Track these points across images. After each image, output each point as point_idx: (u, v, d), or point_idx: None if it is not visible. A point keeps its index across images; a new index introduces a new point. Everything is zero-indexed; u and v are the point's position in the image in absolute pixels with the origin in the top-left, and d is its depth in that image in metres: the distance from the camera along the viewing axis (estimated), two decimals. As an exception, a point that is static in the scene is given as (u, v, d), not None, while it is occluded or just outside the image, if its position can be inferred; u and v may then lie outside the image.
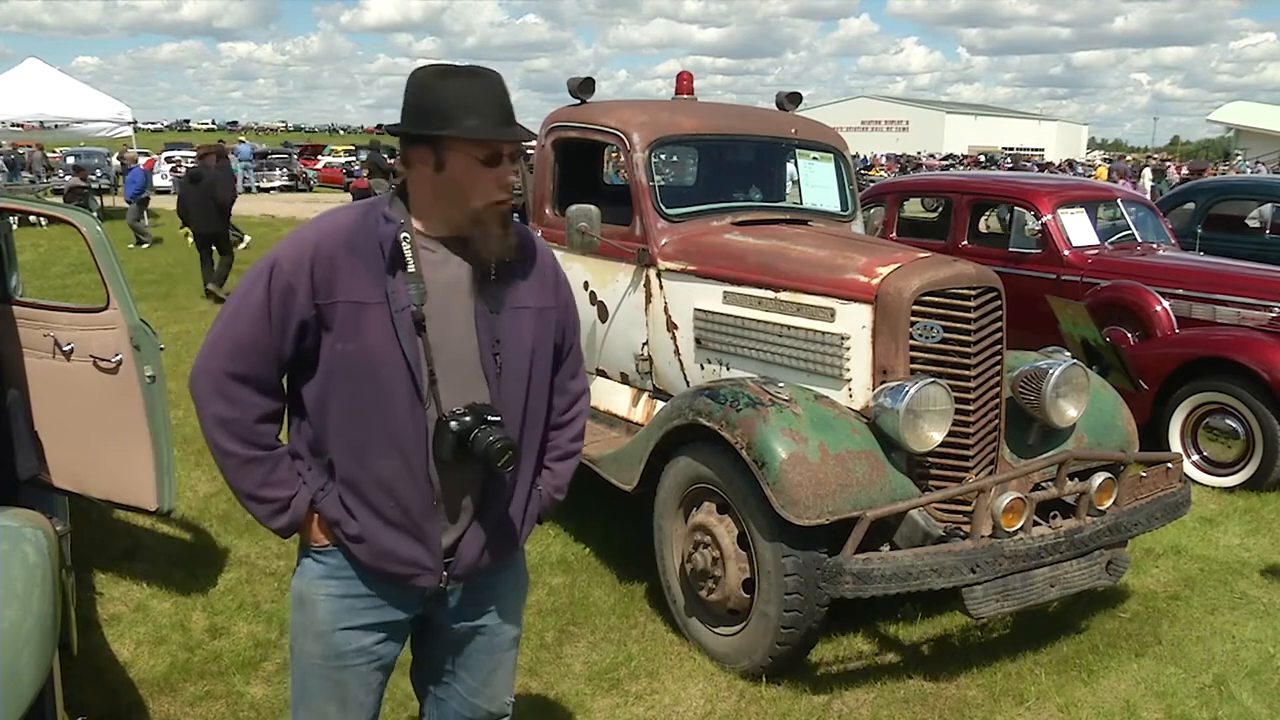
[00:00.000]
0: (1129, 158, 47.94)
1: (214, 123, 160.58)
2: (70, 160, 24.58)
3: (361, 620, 2.05)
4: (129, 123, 20.70)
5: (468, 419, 1.93)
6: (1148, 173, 28.81)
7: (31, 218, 16.45)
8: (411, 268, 1.92)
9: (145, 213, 17.82)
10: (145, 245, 17.17)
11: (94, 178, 22.02)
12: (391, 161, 15.21)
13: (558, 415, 2.23)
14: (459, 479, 2.01)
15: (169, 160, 34.48)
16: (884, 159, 45.27)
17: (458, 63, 1.95)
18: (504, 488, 2.08)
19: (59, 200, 18.09)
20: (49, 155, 29.74)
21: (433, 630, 2.17)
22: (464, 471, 2.00)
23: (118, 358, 3.86)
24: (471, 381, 1.99)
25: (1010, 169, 33.80)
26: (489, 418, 1.95)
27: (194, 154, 15.35)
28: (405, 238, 1.93)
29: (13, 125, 21.00)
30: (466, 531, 2.06)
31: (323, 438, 1.98)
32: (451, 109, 1.87)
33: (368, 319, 1.90)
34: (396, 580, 2.03)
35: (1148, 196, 10.73)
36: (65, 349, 3.91)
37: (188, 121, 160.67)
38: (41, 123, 20.85)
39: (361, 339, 1.90)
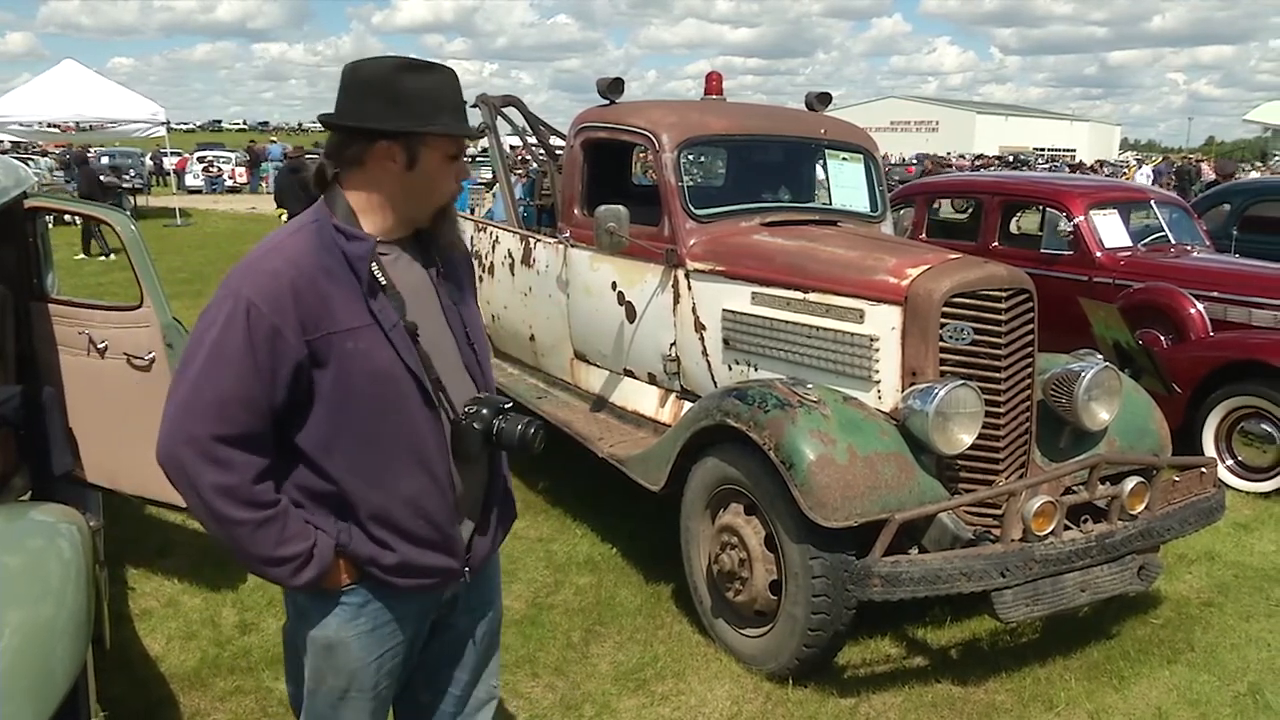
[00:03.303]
0: (1170, 157, 45.82)
1: (245, 123, 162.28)
2: (104, 160, 24.94)
3: (390, 644, 2.02)
4: (162, 123, 20.98)
5: (485, 413, 1.94)
6: (1207, 172, 22.83)
7: (66, 216, 16.64)
8: (386, 282, 1.88)
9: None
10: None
11: (128, 177, 22.30)
12: None
13: None
14: (472, 477, 2.03)
15: (200, 160, 34.90)
16: (900, 160, 42.80)
17: (411, 57, 1.92)
18: (500, 472, 2.12)
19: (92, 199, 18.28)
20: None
21: (437, 635, 2.15)
22: (475, 468, 2.03)
23: (150, 355, 3.91)
24: (459, 377, 2.00)
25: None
26: (503, 406, 1.97)
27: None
28: (378, 254, 1.88)
29: (50, 126, 21.29)
30: (478, 525, 2.08)
31: (332, 477, 1.87)
32: (428, 105, 1.85)
33: (364, 343, 1.83)
34: (426, 592, 2.02)
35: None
36: (99, 346, 3.97)
37: (219, 122, 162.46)
38: (78, 123, 21.14)
39: (364, 365, 1.83)
